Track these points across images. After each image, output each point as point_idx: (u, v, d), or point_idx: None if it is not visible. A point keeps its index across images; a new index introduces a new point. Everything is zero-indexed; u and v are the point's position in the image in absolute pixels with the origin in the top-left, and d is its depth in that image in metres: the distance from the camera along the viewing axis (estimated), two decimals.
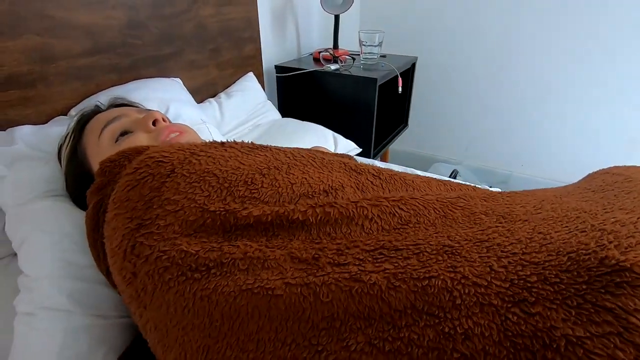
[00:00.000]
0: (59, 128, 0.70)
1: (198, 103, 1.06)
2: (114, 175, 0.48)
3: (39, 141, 0.66)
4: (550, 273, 0.27)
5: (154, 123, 0.56)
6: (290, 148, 0.52)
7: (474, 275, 0.28)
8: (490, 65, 1.83)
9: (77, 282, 0.48)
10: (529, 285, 0.26)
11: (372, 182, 0.45)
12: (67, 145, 0.60)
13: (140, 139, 0.54)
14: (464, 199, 0.41)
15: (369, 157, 1.37)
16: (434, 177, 0.58)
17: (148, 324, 0.36)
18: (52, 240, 0.50)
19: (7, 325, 0.48)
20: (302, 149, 0.55)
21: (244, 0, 1.19)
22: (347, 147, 1.16)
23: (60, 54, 0.75)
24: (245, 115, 1.17)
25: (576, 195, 0.42)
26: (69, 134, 0.61)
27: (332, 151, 1.10)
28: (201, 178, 0.40)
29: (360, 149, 1.19)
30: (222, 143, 0.47)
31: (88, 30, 0.79)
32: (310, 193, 0.41)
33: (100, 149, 0.55)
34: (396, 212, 0.38)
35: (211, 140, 0.56)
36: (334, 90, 1.37)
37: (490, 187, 2.01)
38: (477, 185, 0.83)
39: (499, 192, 0.46)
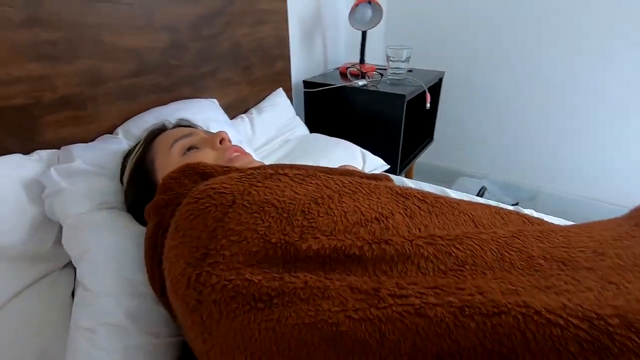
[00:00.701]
0: (110, 146, 0.75)
1: (230, 119, 1.09)
2: (175, 196, 0.51)
3: (93, 157, 0.70)
4: (634, 318, 0.25)
5: (220, 142, 0.62)
6: (336, 174, 0.54)
7: (547, 310, 0.27)
8: (518, 78, 1.80)
9: (134, 299, 0.50)
10: (610, 329, 0.25)
11: (419, 207, 0.46)
12: (136, 154, 0.65)
13: (206, 154, 0.60)
14: (519, 239, 0.40)
15: (395, 173, 1.37)
16: (476, 199, 0.57)
17: (214, 349, 0.37)
18: (112, 255, 0.53)
19: (58, 339, 0.51)
20: (343, 172, 0.57)
21: (276, 18, 1.22)
22: (375, 163, 1.16)
23: (108, 75, 0.79)
24: (275, 130, 1.19)
25: (638, 238, 0.41)
26: (139, 144, 0.66)
27: (360, 168, 1.11)
28: (261, 208, 0.42)
29: (389, 166, 1.19)
30: (276, 171, 0.49)
31: (134, 52, 0.83)
32: (363, 221, 0.42)
33: (169, 160, 0.60)
34: (452, 251, 0.38)
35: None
36: (361, 105, 1.38)
37: (517, 203, 1.97)
38: (517, 209, 0.82)
39: (551, 229, 0.45)
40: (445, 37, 1.90)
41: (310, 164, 0.78)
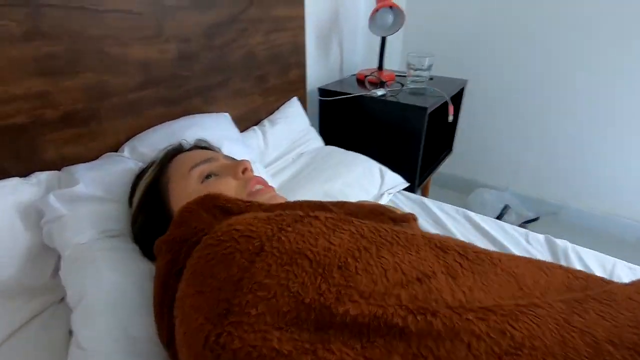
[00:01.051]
0: (114, 166, 0.70)
1: (242, 131, 1.04)
2: (193, 232, 0.46)
3: (97, 180, 0.65)
4: None
5: (243, 171, 0.58)
6: (365, 211, 0.51)
7: None
8: (546, 89, 1.71)
9: (133, 359, 0.45)
10: None
11: (460, 265, 0.42)
12: (149, 175, 0.60)
13: (228, 184, 0.56)
14: (579, 315, 0.35)
15: (413, 188, 1.30)
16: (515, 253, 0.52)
17: None
18: (111, 303, 0.48)
19: None
20: (373, 210, 0.54)
21: (293, 25, 1.16)
22: (394, 181, 1.09)
23: (113, 89, 0.75)
24: (289, 143, 1.13)
25: None
26: (154, 164, 0.62)
27: (378, 186, 1.05)
28: (293, 260, 0.37)
29: (408, 184, 1.13)
30: (306, 213, 0.44)
31: (141, 64, 0.78)
32: (404, 282, 0.37)
33: (186, 185, 0.56)
34: (507, 330, 0.32)
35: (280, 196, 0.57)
36: (379, 116, 1.31)
37: (538, 218, 1.87)
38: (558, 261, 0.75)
39: (609, 297, 0.39)
40: (467, 44, 1.81)
41: (330, 194, 0.73)
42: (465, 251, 0.45)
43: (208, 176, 0.57)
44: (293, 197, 0.79)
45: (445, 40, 1.85)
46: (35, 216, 0.61)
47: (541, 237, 0.90)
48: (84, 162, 0.72)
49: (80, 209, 0.60)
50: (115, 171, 0.68)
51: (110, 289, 0.50)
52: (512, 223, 1.79)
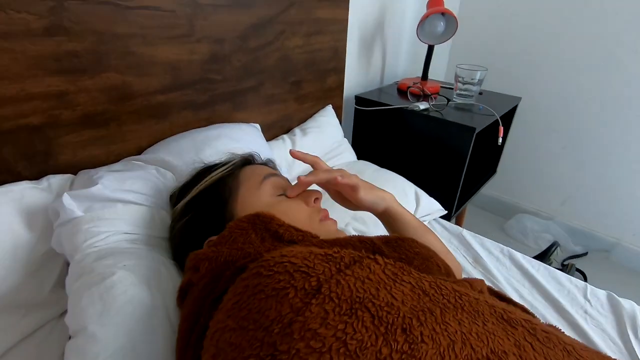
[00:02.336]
0: (136, 172, 0.65)
1: (269, 140, 0.97)
2: (240, 253, 0.43)
3: (116, 183, 0.60)
4: None
5: (314, 200, 0.57)
6: (420, 260, 0.47)
7: None
8: (602, 109, 1.53)
9: None
10: None
11: (531, 345, 0.36)
12: (217, 173, 0.57)
13: (300, 208, 0.54)
14: None
15: (450, 215, 1.19)
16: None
17: None
18: (112, 349, 0.41)
19: None
20: (430, 259, 0.49)
21: (335, 28, 1.08)
22: (431, 207, 0.99)
23: (137, 91, 0.70)
24: (319, 155, 1.03)
25: None
26: (226, 164, 0.60)
27: (413, 211, 0.95)
28: (353, 311, 0.32)
29: (446, 212, 1.02)
30: (365, 255, 0.39)
31: (169, 66, 0.73)
32: None
33: (259, 194, 0.54)
34: None
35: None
36: (420, 132, 1.20)
37: (587, 253, 1.69)
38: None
39: None
40: (519, 57, 1.66)
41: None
42: (534, 329, 0.38)
43: (282, 193, 0.55)
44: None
45: (495, 53, 1.70)
46: (41, 223, 0.57)
47: (602, 293, 0.77)
48: (102, 166, 0.67)
49: (98, 210, 0.56)
50: (138, 175, 0.64)
51: (117, 333, 0.43)
52: (556, 257, 1.65)
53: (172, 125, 0.77)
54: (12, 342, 0.52)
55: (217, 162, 0.62)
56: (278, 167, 0.78)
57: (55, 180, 0.61)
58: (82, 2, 0.58)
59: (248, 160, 0.63)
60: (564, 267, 1.60)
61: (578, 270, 1.58)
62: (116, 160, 0.71)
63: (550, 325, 0.42)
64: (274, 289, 0.34)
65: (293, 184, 0.78)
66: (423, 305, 0.35)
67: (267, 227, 0.47)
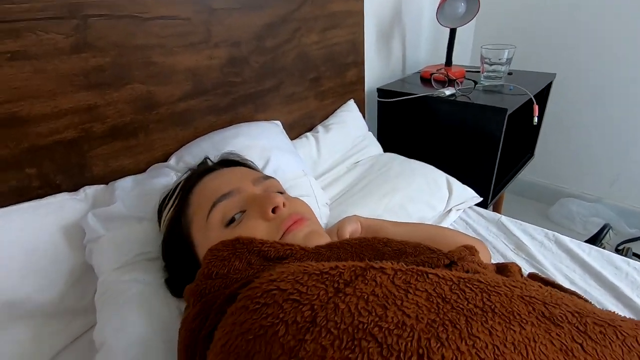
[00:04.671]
0: (158, 180, 0.66)
1: (293, 139, 0.97)
2: (224, 283, 0.39)
3: (136, 198, 0.62)
4: None
5: (273, 210, 0.47)
6: (447, 260, 0.42)
7: None
8: None
9: None
10: None
11: (581, 346, 0.30)
12: (170, 210, 0.55)
13: (256, 228, 0.46)
14: None
15: (486, 203, 1.13)
16: None
17: None
18: (130, 357, 0.43)
19: None
20: (457, 254, 0.44)
21: (351, 21, 1.06)
22: (465, 195, 0.94)
23: (161, 100, 0.72)
24: (344, 151, 1.04)
25: None
26: (174, 198, 0.55)
27: (446, 200, 0.91)
28: (356, 343, 0.27)
29: (481, 199, 0.97)
30: (369, 265, 0.34)
31: (190, 73, 0.74)
32: None
33: (208, 232, 0.48)
34: None
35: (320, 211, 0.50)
36: (447, 119, 1.15)
37: None
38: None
39: None
40: (551, 34, 1.56)
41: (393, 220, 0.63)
42: (584, 324, 0.32)
43: (232, 219, 0.48)
44: (346, 214, 0.70)
45: (523, 30, 1.61)
46: (80, 234, 0.59)
47: None
48: (133, 174, 0.70)
49: (116, 229, 0.57)
50: (155, 186, 0.65)
51: (132, 341, 0.45)
52: (609, 242, 1.52)
53: (197, 131, 0.79)
54: (63, 345, 0.55)
55: (171, 187, 0.58)
56: (308, 181, 0.77)
57: (91, 191, 0.64)
58: (102, 17, 0.60)
59: (199, 174, 0.56)
60: (619, 252, 1.48)
61: (635, 254, 1.45)
62: (146, 168, 0.73)
63: (608, 313, 0.36)
64: (261, 326, 0.30)
65: (317, 189, 0.76)
66: (443, 317, 0.30)
67: (249, 249, 0.43)
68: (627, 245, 1.52)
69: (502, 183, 1.26)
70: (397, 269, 0.34)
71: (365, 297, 0.31)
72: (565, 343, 0.30)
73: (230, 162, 0.62)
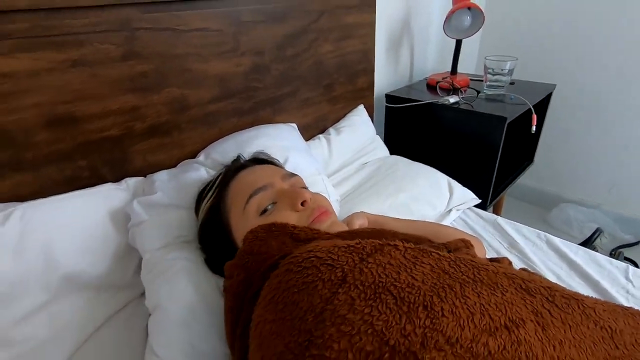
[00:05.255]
0: (190, 174, 0.74)
1: (307, 140, 1.05)
2: (265, 258, 0.46)
3: (173, 189, 0.71)
4: None
5: (302, 203, 0.56)
6: (446, 250, 0.48)
7: None
8: None
9: None
10: None
11: (549, 312, 0.38)
12: (209, 200, 0.63)
13: (286, 217, 0.54)
14: None
15: (485, 205, 1.20)
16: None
17: None
18: (181, 317, 0.52)
19: None
20: (453, 245, 0.52)
21: (363, 32, 1.14)
22: (464, 196, 1.02)
23: (192, 102, 0.80)
24: (353, 152, 1.12)
25: None
26: (213, 190, 0.63)
27: (446, 201, 0.98)
28: (377, 295, 0.36)
29: (479, 200, 1.04)
30: (386, 242, 0.43)
31: (218, 78, 0.82)
32: (492, 328, 0.34)
33: (245, 220, 0.56)
34: None
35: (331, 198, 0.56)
36: (451, 125, 1.23)
37: (638, 242, 1.61)
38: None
39: None
40: (553, 45, 1.63)
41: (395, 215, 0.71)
42: (552, 295, 0.40)
43: (265, 210, 0.56)
44: (355, 210, 0.78)
45: (527, 42, 1.68)
46: (123, 219, 0.68)
47: None
48: (166, 168, 0.78)
49: (157, 215, 0.66)
50: (190, 180, 0.73)
51: (182, 305, 0.53)
52: (603, 247, 1.59)
53: (222, 131, 0.87)
54: (108, 314, 0.64)
55: (210, 180, 0.67)
56: (322, 180, 0.85)
57: (132, 182, 0.73)
58: (148, 30, 0.69)
59: (235, 169, 0.64)
60: (612, 256, 1.54)
61: (627, 259, 1.52)
62: (176, 163, 0.81)
63: (575, 293, 0.43)
64: (304, 282, 0.38)
65: (329, 187, 0.85)
66: (443, 282, 0.38)
67: (283, 232, 0.50)
68: (621, 250, 1.58)
69: (502, 186, 1.33)
70: (407, 247, 0.42)
71: (383, 265, 0.39)
72: (537, 307, 0.38)
73: (260, 160, 0.71)
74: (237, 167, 0.65)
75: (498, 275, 0.41)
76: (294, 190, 0.58)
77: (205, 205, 0.62)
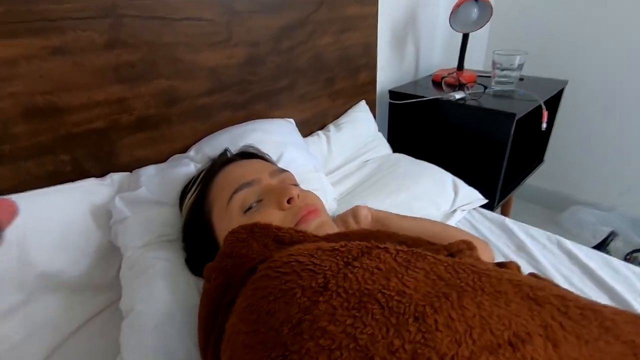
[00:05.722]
0: (179, 169, 0.71)
1: (305, 136, 1.01)
2: (244, 261, 0.43)
3: (159, 185, 0.67)
4: None
5: (288, 201, 0.52)
6: (446, 252, 0.44)
7: None
8: None
9: None
10: None
11: (561, 325, 0.33)
12: (192, 195, 0.59)
13: (272, 215, 0.51)
14: None
15: (492, 206, 1.15)
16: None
17: None
18: (154, 322, 0.49)
19: None
20: (455, 247, 0.47)
21: (365, 24, 1.10)
22: (470, 196, 0.97)
23: (183, 95, 0.77)
24: (354, 150, 1.07)
25: None
26: (197, 184, 0.60)
27: (451, 201, 0.93)
28: (362, 304, 0.32)
29: (486, 200, 0.99)
30: (374, 245, 0.38)
31: (210, 70, 0.79)
32: (493, 345, 0.30)
33: (228, 218, 0.52)
34: None
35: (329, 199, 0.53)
36: (457, 122, 1.18)
37: None
38: None
39: None
40: (565, 39, 1.56)
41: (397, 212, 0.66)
42: (565, 306, 0.35)
43: (250, 207, 0.52)
44: None
45: (537, 37, 1.62)
46: (106, 216, 0.64)
47: None
48: (155, 164, 0.75)
49: (141, 212, 0.62)
50: (177, 176, 0.69)
51: (159, 308, 0.50)
52: (618, 251, 1.52)
53: (214, 125, 0.84)
54: (85, 318, 0.60)
55: (194, 175, 0.63)
56: (319, 177, 0.81)
57: (117, 178, 0.70)
58: (136, 17, 0.66)
59: (220, 164, 0.61)
60: (627, 261, 1.47)
61: None
62: (166, 158, 0.78)
63: (592, 302, 0.39)
64: (281, 290, 0.34)
65: (327, 185, 0.80)
66: (438, 290, 0.33)
67: (266, 233, 0.46)
68: (635, 254, 1.51)
69: (510, 187, 1.27)
70: (399, 249, 0.38)
71: (371, 270, 0.35)
72: (546, 320, 0.33)
73: (249, 154, 0.67)
74: (223, 161, 0.62)
75: (502, 282, 0.36)
76: (281, 187, 0.54)
77: (188, 201, 0.59)
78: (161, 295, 0.51)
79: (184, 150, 0.80)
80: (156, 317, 0.49)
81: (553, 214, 1.80)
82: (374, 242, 0.39)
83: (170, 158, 0.78)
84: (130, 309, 0.51)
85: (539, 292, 0.36)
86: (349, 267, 0.35)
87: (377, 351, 0.28)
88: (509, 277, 0.38)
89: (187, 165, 0.72)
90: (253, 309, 0.35)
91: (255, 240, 0.45)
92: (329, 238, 0.46)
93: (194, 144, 0.80)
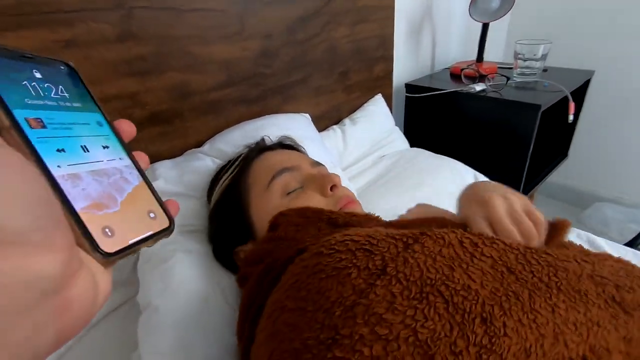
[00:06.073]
0: (194, 163, 0.70)
1: (320, 131, 0.98)
2: (298, 242, 0.40)
3: (176, 177, 0.66)
4: None
5: (331, 188, 0.51)
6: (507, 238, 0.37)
7: None
8: None
9: None
10: None
11: None
12: (230, 175, 0.58)
13: (314, 200, 0.50)
14: None
15: None
16: None
17: None
18: (172, 319, 0.47)
19: None
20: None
21: (381, 15, 1.06)
22: None
23: (195, 89, 0.75)
24: (370, 144, 1.04)
25: None
26: (235, 164, 0.60)
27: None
28: (424, 295, 0.28)
29: None
30: (445, 229, 0.34)
31: (224, 63, 0.77)
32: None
33: (268, 200, 0.51)
34: None
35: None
36: (477, 115, 1.13)
37: None
38: None
39: None
40: (590, 29, 1.49)
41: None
42: None
43: (292, 191, 0.52)
44: (370, 206, 0.71)
45: (561, 26, 1.55)
46: None
47: None
48: (167, 159, 0.73)
49: None
50: (194, 169, 0.69)
51: (178, 304, 0.48)
52: None
53: (228, 120, 0.82)
54: (103, 314, 0.59)
55: (229, 160, 0.63)
56: (331, 166, 0.78)
57: None
58: (146, 9, 0.64)
59: (259, 150, 0.60)
60: None
61: None
62: (180, 153, 0.76)
63: None
64: (334, 268, 0.31)
65: (344, 180, 0.78)
66: (507, 287, 0.30)
67: (320, 217, 0.45)
68: None
69: (534, 183, 1.22)
70: (465, 235, 0.34)
71: (433, 256, 0.31)
72: (631, 332, 0.28)
73: (286, 145, 0.66)
74: (261, 147, 0.61)
75: (582, 280, 0.31)
76: (325, 174, 0.53)
77: (222, 183, 0.58)
78: (179, 289, 0.49)
79: (198, 145, 0.78)
80: (174, 313, 0.47)
81: (576, 211, 1.73)
82: (434, 229, 0.35)
83: (185, 153, 0.76)
84: (147, 303, 0.50)
85: (627, 295, 0.31)
86: (409, 250, 0.31)
87: (439, 350, 0.25)
88: (591, 272, 0.33)
89: (203, 160, 0.71)
90: (301, 286, 0.32)
91: (310, 224, 0.45)
92: (380, 221, 0.44)
93: (208, 139, 0.79)
